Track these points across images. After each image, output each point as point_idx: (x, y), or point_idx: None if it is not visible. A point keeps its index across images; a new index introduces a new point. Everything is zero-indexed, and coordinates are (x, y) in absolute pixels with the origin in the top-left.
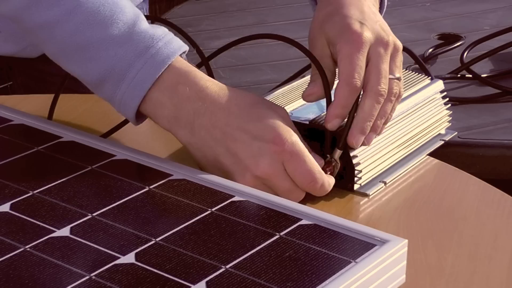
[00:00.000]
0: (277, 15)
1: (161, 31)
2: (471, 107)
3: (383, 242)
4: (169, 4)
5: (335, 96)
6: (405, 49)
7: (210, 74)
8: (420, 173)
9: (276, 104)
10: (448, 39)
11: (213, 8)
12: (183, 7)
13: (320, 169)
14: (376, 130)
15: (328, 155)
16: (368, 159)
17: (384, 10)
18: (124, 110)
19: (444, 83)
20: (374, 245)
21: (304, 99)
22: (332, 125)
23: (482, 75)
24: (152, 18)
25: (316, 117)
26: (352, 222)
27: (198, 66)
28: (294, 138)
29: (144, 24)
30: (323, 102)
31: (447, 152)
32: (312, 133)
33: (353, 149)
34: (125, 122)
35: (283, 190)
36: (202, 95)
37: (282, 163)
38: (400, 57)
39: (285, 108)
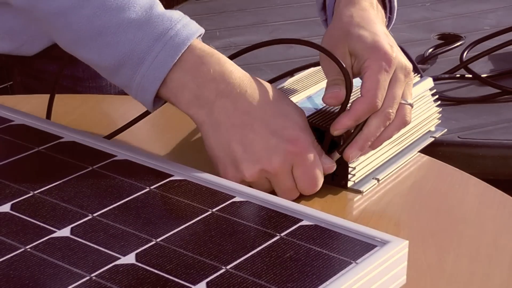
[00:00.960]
0: (277, 15)
1: (178, 14)
2: (471, 107)
3: (383, 243)
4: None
5: (352, 108)
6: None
7: None
8: (422, 173)
9: (295, 104)
10: (448, 39)
11: (213, 8)
12: (183, 7)
13: (322, 176)
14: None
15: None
16: (361, 157)
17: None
18: (142, 95)
19: (443, 83)
20: (375, 246)
21: (325, 102)
22: (338, 132)
23: (482, 75)
24: None
25: (311, 114)
26: (352, 223)
27: None
28: (310, 143)
29: (161, 7)
30: (316, 99)
31: (447, 153)
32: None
33: None
34: (129, 125)
35: (284, 189)
36: (226, 78)
37: (292, 164)
38: (412, 84)
39: None
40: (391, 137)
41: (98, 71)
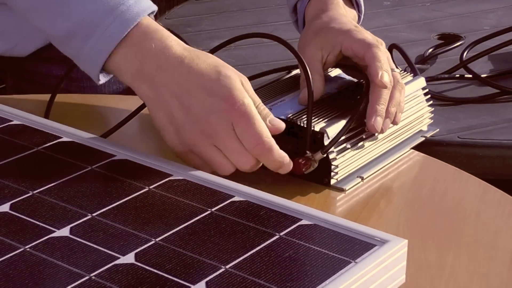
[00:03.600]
0: (277, 15)
1: None
2: (470, 107)
3: (383, 242)
4: (169, 4)
5: (372, 97)
6: (395, 47)
7: None
8: (422, 172)
9: (236, 70)
10: (448, 39)
11: (213, 8)
12: (183, 7)
13: (269, 134)
14: (389, 116)
15: (308, 152)
16: (345, 155)
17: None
18: (89, 67)
19: (443, 83)
20: (374, 245)
21: (300, 103)
22: (377, 124)
23: (482, 75)
24: None
25: (295, 113)
26: (352, 222)
27: None
28: (246, 100)
29: None
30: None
31: (447, 152)
32: (290, 128)
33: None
34: (124, 122)
35: (232, 151)
36: (166, 52)
37: (232, 122)
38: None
39: (265, 104)
40: (399, 101)
41: (51, 40)
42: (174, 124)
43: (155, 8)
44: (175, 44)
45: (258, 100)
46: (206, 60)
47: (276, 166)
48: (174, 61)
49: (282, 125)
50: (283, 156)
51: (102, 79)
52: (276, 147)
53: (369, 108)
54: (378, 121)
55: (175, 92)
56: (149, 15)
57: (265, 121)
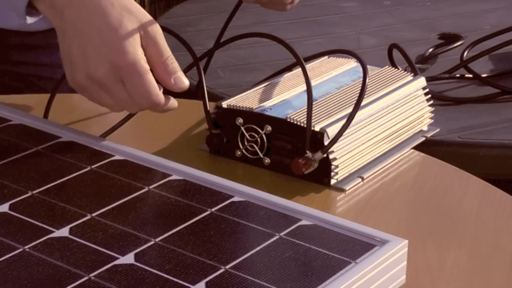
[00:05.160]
0: (277, 15)
1: None
2: (471, 107)
3: (383, 242)
4: (169, 3)
5: None
6: (395, 46)
7: (200, 75)
8: (422, 172)
9: (150, 19)
10: (448, 38)
11: (212, 8)
12: (183, 7)
13: (157, 91)
14: None
15: (308, 152)
16: (345, 154)
17: None
18: (15, 3)
19: (443, 83)
20: (374, 246)
21: None
22: None
23: (482, 75)
24: None
25: (295, 113)
26: (352, 222)
27: (190, 66)
28: (137, 57)
29: None
30: (301, 98)
31: (447, 152)
32: (290, 128)
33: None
34: (124, 121)
35: (119, 99)
36: None
37: (120, 76)
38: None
39: (264, 104)
40: None
41: None
42: (70, 61)
43: None
44: None
45: (166, 53)
46: (114, 5)
47: (163, 111)
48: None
49: (185, 85)
50: (165, 101)
51: (30, 20)
52: (162, 99)
53: None
54: None
55: (77, 31)
56: None
57: (170, 77)
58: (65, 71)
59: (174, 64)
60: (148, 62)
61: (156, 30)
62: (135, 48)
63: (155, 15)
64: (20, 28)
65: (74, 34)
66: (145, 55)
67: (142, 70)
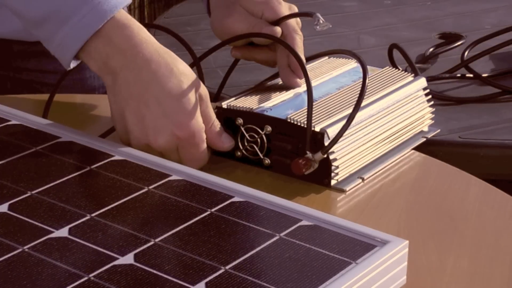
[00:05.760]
0: None
1: None
2: (472, 106)
3: (383, 243)
4: (168, 3)
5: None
6: (395, 46)
7: (201, 75)
8: (422, 172)
9: (200, 81)
10: (449, 38)
11: None
12: (182, 6)
13: (207, 158)
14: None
15: (308, 152)
16: (346, 155)
17: None
18: (61, 53)
19: (444, 82)
20: (374, 246)
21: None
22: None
23: (483, 75)
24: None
25: (295, 113)
26: (352, 222)
27: (190, 66)
28: (198, 127)
29: None
30: (301, 98)
31: (448, 152)
32: (290, 129)
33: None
34: None
35: (172, 160)
36: (134, 51)
37: (177, 145)
38: None
39: (264, 104)
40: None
41: (22, 21)
42: (125, 125)
43: (129, 0)
44: (146, 43)
45: (211, 118)
46: (173, 70)
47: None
48: (141, 63)
49: (233, 143)
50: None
51: (73, 64)
52: (206, 159)
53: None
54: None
55: (134, 96)
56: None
57: (220, 138)
58: (116, 130)
59: (218, 124)
60: None
61: (206, 93)
62: (196, 119)
63: (154, 14)
64: (23, 37)
65: (129, 97)
66: None
67: (201, 141)
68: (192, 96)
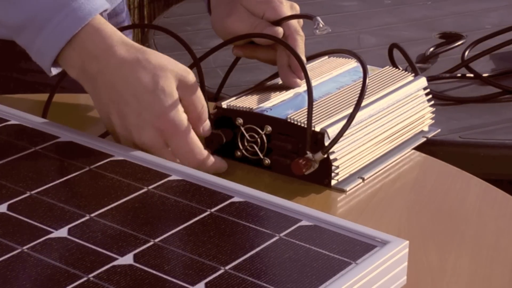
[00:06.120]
0: None
1: None
2: (472, 106)
3: (384, 243)
4: (167, 3)
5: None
6: (396, 46)
7: (201, 75)
8: (423, 173)
9: (183, 68)
10: (449, 38)
11: None
12: (182, 6)
13: (201, 148)
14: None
15: (308, 152)
16: (346, 155)
17: None
18: (40, 60)
19: (444, 82)
20: (375, 246)
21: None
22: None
23: (483, 75)
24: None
25: (295, 113)
26: (352, 223)
27: (190, 67)
28: (178, 117)
29: None
30: (301, 98)
31: (448, 152)
32: (290, 129)
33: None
34: None
35: (166, 158)
36: (107, 55)
37: (165, 139)
38: None
39: (264, 104)
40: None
41: (5, 28)
42: (113, 127)
43: (107, 6)
44: (118, 45)
45: (197, 106)
46: (147, 66)
47: (211, 171)
48: (115, 66)
49: (210, 131)
50: (214, 161)
51: (54, 71)
52: (205, 156)
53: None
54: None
55: (113, 98)
56: (101, 13)
57: (201, 125)
58: (107, 128)
59: (205, 113)
60: (185, 111)
61: (191, 79)
62: (175, 107)
63: (154, 14)
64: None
65: (110, 101)
66: (182, 105)
67: (186, 130)
68: (168, 86)
